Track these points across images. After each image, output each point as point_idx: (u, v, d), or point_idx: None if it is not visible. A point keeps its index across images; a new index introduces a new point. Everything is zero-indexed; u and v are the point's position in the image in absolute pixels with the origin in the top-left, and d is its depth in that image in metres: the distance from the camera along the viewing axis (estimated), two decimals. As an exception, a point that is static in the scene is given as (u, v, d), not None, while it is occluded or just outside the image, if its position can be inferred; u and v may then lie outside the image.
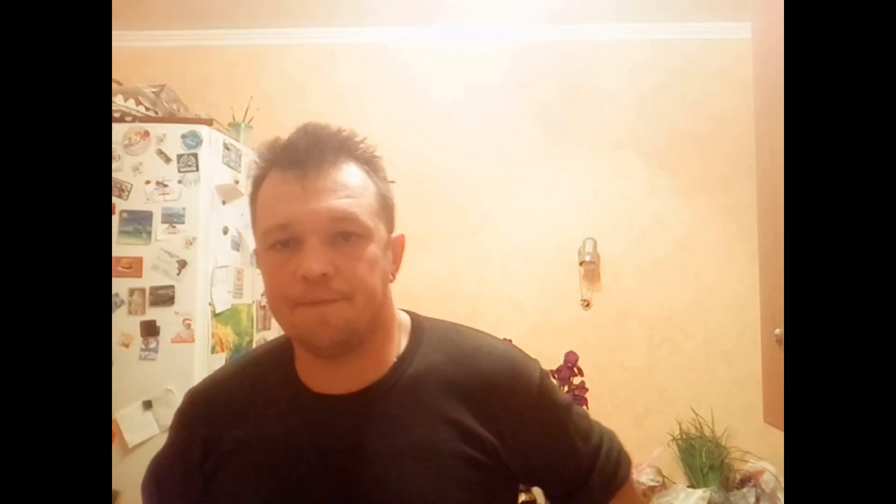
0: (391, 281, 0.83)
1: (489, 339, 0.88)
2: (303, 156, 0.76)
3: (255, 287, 2.46)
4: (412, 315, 0.89)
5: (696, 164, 2.76)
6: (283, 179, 0.76)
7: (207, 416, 0.85)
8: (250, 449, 0.80)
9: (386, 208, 0.82)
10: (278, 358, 0.86)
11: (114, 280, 2.04)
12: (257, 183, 0.80)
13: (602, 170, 2.79)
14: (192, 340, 2.06)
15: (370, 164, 0.81)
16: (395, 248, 0.85)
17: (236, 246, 2.31)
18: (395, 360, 0.82)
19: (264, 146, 0.80)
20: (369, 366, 0.81)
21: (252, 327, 2.46)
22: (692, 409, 2.61)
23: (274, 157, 0.79)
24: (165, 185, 2.09)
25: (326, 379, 0.81)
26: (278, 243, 0.76)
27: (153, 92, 2.29)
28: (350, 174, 0.78)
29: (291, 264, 0.74)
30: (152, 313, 2.05)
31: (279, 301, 0.77)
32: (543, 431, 0.82)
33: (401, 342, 0.84)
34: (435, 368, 0.82)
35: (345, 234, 0.75)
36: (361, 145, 0.81)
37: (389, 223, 0.83)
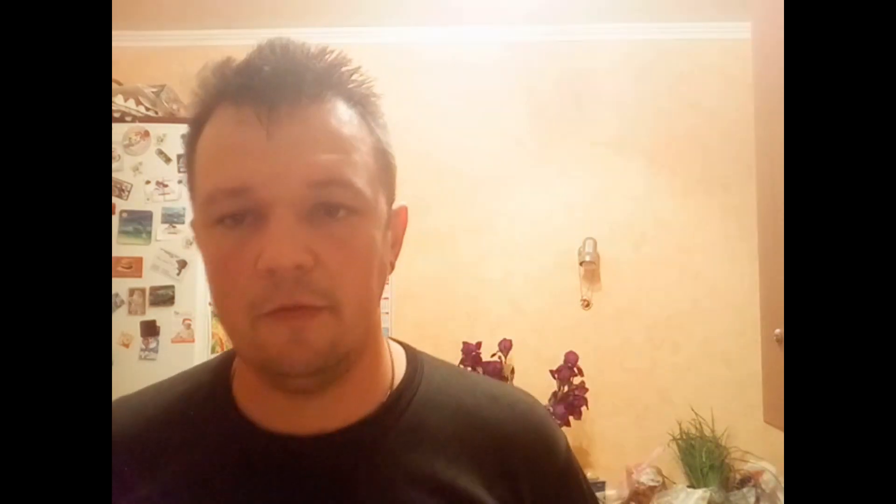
0: (389, 272, 0.59)
1: (506, 387, 0.68)
2: (269, 84, 0.50)
3: (255, 287, 2.46)
4: (398, 340, 0.67)
5: (696, 164, 2.76)
6: (238, 119, 0.51)
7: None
8: (167, 499, 0.56)
9: (386, 170, 0.57)
10: (211, 380, 0.61)
11: (114, 280, 2.04)
12: (197, 124, 0.54)
13: (602, 170, 2.79)
14: (192, 340, 2.06)
15: (366, 104, 0.56)
16: (396, 227, 0.61)
17: (236, 246, 2.31)
18: (387, 394, 0.60)
19: (209, 69, 0.54)
20: (351, 398, 0.58)
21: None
22: (692, 409, 2.60)
23: (223, 84, 0.53)
24: (165, 185, 2.09)
25: (284, 413, 0.57)
26: (228, 217, 0.51)
27: (153, 92, 2.29)
28: (340, 117, 0.53)
29: (249, 250, 0.50)
30: (152, 313, 2.06)
31: (230, 307, 0.52)
32: None
33: (395, 371, 0.62)
34: (440, 414, 0.61)
35: (330, 206, 0.51)
36: (355, 76, 0.55)
37: (390, 191, 0.58)
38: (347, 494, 0.55)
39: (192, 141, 0.55)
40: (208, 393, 0.61)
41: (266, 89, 0.51)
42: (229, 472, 0.56)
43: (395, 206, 0.61)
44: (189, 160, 0.56)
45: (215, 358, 0.64)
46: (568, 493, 0.65)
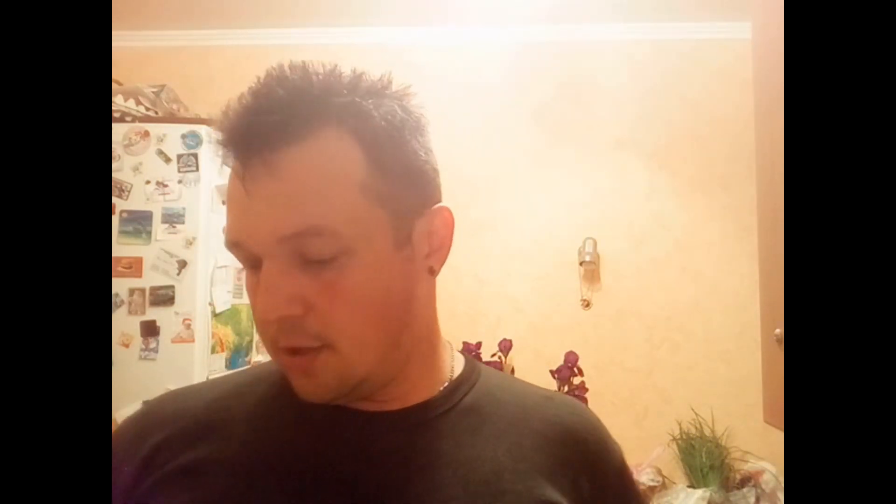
0: (434, 274, 0.60)
1: (557, 392, 0.71)
2: (242, 135, 0.51)
3: (255, 287, 2.46)
4: (460, 351, 0.70)
5: (695, 163, 2.76)
6: (233, 174, 0.53)
7: (165, 423, 0.60)
8: (219, 464, 0.56)
9: (393, 187, 0.54)
10: (277, 371, 0.63)
11: (114, 280, 2.04)
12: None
13: (602, 170, 2.79)
14: (192, 340, 2.06)
15: (361, 119, 0.53)
16: (437, 232, 0.59)
17: (236, 246, 2.31)
18: (445, 384, 0.63)
19: (218, 118, 0.54)
20: (409, 390, 0.60)
21: (252, 327, 2.46)
22: (692, 409, 2.60)
23: (221, 142, 0.53)
24: (165, 185, 2.09)
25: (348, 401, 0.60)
26: (245, 261, 0.55)
27: (153, 92, 2.29)
28: (315, 154, 0.51)
29: (259, 291, 0.54)
30: (152, 313, 2.06)
31: (260, 334, 0.56)
32: None
33: (453, 366, 0.65)
34: (499, 405, 0.63)
35: (311, 254, 0.52)
36: (345, 97, 0.53)
37: (410, 202, 0.56)
38: (407, 466, 0.56)
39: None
40: (274, 376, 0.63)
41: (241, 144, 0.52)
42: (287, 435, 0.58)
43: (436, 206, 0.59)
44: None
45: None
46: (626, 492, 0.66)
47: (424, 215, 0.58)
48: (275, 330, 0.53)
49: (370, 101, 0.54)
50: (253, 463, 0.56)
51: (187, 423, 0.60)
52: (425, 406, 0.60)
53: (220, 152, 0.54)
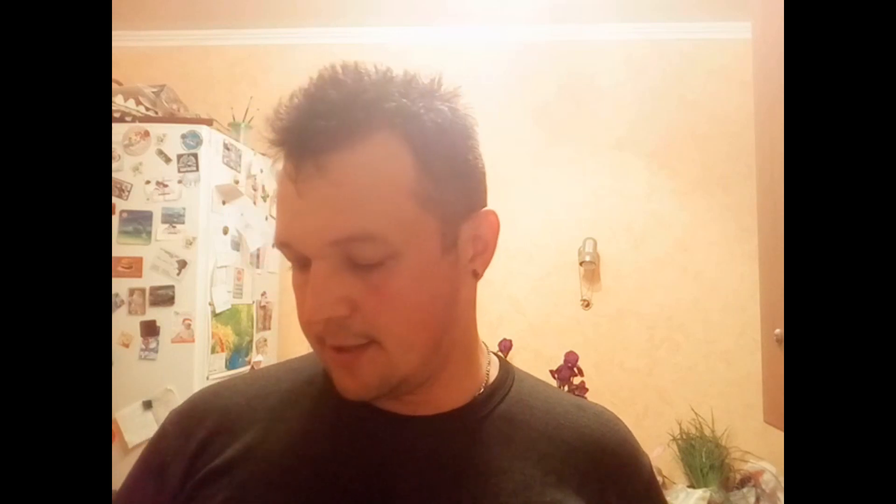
0: (477, 277, 0.60)
1: (587, 401, 0.70)
2: (296, 138, 0.52)
3: (255, 287, 2.46)
4: (494, 352, 0.70)
5: (695, 163, 2.76)
6: (283, 175, 0.53)
7: (208, 419, 0.61)
8: (257, 460, 0.58)
9: (441, 190, 0.54)
10: (318, 366, 0.64)
11: (114, 280, 2.04)
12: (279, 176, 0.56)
13: (602, 170, 2.79)
14: (192, 340, 2.06)
15: (412, 123, 0.53)
16: (482, 235, 0.59)
17: (236, 246, 2.31)
18: (480, 389, 0.63)
19: (270, 118, 0.54)
20: (445, 393, 0.61)
21: (252, 327, 2.46)
22: (692, 409, 2.60)
23: (272, 141, 0.54)
24: (165, 185, 2.09)
25: (383, 404, 0.60)
26: (294, 260, 0.56)
27: (153, 92, 2.29)
28: (367, 159, 0.51)
29: (307, 291, 0.55)
30: (152, 313, 2.06)
31: (308, 337, 0.57)
32: None
33: (489, 370, 0.66)
34: (531, 413, 0.63)
35: (359, 258, 0.52)
36: (397, 100, 0.53)
37: (457, 206, 0.56)
38: (439, 474, 0.57)
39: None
40: (315, 373, 0.64)
41: (295, 146, 0.52)
42: (327, 435, 0.59)
43: (484, 210, 0.59)
44: None
45: None
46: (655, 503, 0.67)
47: (471, 219, 0.58)
48: (321, 329, 0.54)
49: (421, 104, 0.55)
50: (287, 460, 0.57)
51: (230, 419, 0.61)
52: (462, 413, 0.61)
53: (272, 152, 0.54)
